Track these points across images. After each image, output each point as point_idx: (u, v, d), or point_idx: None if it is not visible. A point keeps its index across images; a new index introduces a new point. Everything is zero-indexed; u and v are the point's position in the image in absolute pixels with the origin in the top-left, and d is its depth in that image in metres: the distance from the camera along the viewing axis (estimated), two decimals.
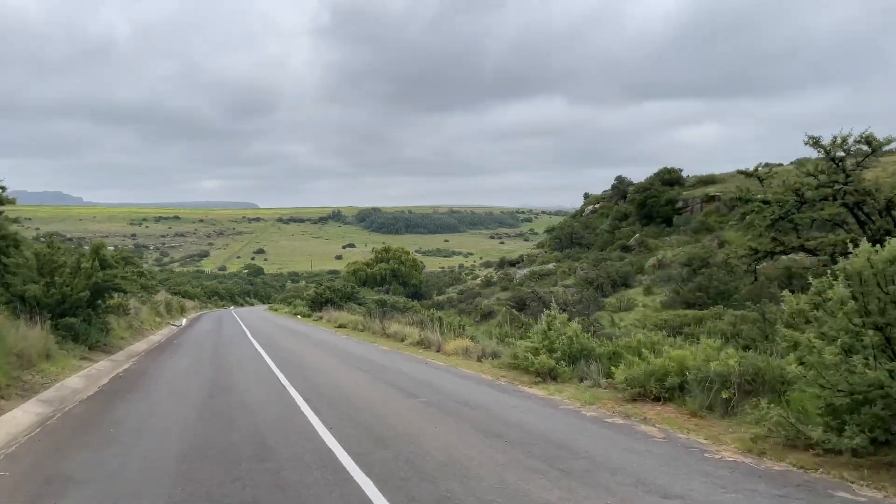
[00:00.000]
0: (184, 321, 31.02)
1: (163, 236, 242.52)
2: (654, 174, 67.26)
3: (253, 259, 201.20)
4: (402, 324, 19.90)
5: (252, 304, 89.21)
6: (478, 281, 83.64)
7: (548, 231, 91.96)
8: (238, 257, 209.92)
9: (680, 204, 62.50)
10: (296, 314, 37.02)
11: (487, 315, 57.62)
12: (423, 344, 16.83)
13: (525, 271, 64.38)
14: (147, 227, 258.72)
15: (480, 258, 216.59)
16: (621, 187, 76.97)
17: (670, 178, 66.12)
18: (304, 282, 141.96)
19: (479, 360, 13.50)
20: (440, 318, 18.61)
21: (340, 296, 33.82)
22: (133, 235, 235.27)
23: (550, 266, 63.21)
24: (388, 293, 60.23)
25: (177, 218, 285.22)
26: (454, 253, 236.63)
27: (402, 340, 18.25)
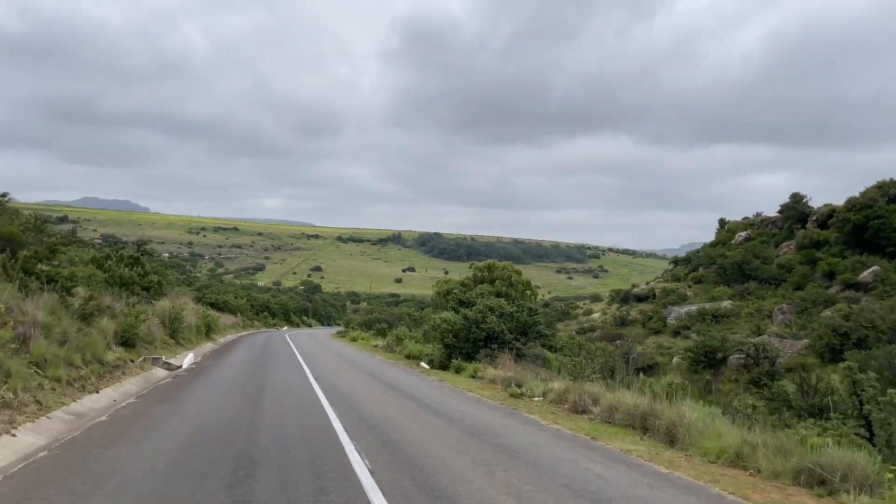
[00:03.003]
0: (189, 357, 14.71)
1: (219, 247, 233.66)
2: (873, 187, 48.51)
3: (309, 276, 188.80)
4: None
5: (310, 325, 73.72)
6: (596, 316, 66.03)
7: (676, 262, 73.66)
8: (294, 273, 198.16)
9: None
10: (409, 356, 19.98)
11: (647, 369, 39.78)
12: None
13: (689, 309, 46.48)
14: (205, 236, 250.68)
15: (549, 292, 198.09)
16: (798, 208, 58.36)
17: None
18: (364, 303, 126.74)
19: None
20: None
21: (518, 328, 16.12)
22: (189, 244, 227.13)
23: (726, 304, 45.23)
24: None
25: (235, 230, 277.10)
26: None
27: None
